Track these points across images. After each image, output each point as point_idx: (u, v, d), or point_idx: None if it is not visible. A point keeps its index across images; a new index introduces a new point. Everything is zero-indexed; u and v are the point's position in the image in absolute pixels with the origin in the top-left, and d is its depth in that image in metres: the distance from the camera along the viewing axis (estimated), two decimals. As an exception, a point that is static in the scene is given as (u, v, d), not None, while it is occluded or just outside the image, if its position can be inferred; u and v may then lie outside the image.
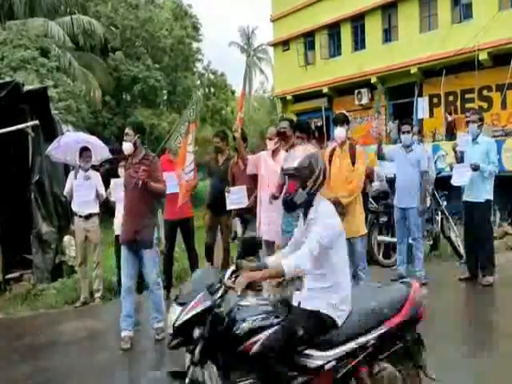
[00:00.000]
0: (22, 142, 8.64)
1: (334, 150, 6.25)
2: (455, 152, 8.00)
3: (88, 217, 7.76)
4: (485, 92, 18.31)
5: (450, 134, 17.68)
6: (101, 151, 8.32)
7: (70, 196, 7.83)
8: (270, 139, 6.70)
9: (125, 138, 5.86)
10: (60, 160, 8.33)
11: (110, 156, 8.60)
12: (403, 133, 7.96)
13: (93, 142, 8.27)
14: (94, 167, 8.16)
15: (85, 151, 7.76)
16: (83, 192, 7.68)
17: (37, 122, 8.43)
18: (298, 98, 26.14)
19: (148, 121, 24.64)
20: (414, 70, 20.09)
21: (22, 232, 8.92)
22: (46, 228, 8.77)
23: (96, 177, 7.85)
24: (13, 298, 8.00)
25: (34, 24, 19.06)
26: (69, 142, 8.00)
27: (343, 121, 6.16)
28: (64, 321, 7.07)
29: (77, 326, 6.78)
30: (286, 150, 6.39)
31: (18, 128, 8.19)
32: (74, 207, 7.80)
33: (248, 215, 7.55)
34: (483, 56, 17.54)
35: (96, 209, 7.86)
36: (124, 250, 5.91)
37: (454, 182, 7.76)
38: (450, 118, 18.71)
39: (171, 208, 7.37)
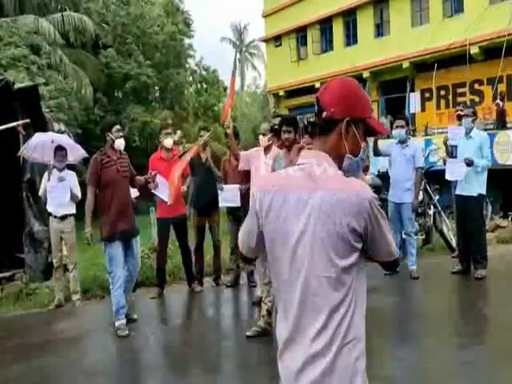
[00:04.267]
0: (12, 140, 8.59)
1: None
2: (446, 146, 8.02)
3: (63, 218, 7.52)
4: (476, 86, 18.37)
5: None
6: (76, 151, 8.10)
7: (44, 197, 7.62)
8: (264, 135, 6.69)
9: (121, 134, 6.20)
10: (37, 160, 8.09)
11: (86, 155, 8.40)
12: (396, 127, 7.96)
13: (66, 142, 8.01)
14: (72, 166, 8.05)
15: (59, 151, 7.50)
16: (57, 193, 7.43)
17: (28, 120, 8.38)
18: (291, 93, 26.16)
19: (140, 118, 24.58)
20: (405, 65, 20.13)
21: (14, 231, 8.88)
22: (37, 227, 8.73)
23: (71, 177, 7.62)
24: (5, 297, 7.96)
25: (24, 21, 18.94)
26: (45, 142, 7.78)
27: None
28: (57, 320, 7.05)
29: (70, 324, 6.76)
30: (279, 147, 6.38)
31: (9, 126, 8.13)
32: (50, 208, 7.57)
33: (240, 212, 7.56)
34: (474, 50, 17.58)
35: (72, 210, 7.62)
36: (118, 244, 5.96)
37: (449, 176, 7.77)
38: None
39: (165, 206, 7.33)
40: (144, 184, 6.55)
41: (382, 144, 8.28)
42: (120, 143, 6.13)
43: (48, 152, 7.70)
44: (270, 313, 5.79)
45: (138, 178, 6.45)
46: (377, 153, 8.13)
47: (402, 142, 7.90)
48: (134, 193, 7.03)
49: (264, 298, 5.82)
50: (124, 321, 6.04)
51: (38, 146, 7.76)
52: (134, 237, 6.18)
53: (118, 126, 6.23)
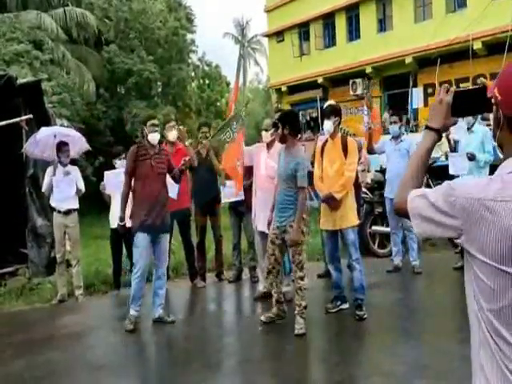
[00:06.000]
0: (16, 136, 8.60)
1: (326, 142, 6.24)
2: (449, 141, 8.02)
3: (67, 212, 7.56)
4: (479, 81, 18.30)
5: None
6: (80, 144, 8.12)
7: (48, 192, 7.61)
8: (266, 130, 6.70)
9: (156, 129, 6.15)
10: (37, 156, 8.10)
11: (89, 148, 8.45)
12: (390, 123, 8.06)
13: (71, 134, 8.04)
14: (74, 161, 8.09)
15: (63, 146, 7.56)
16: (63, 188, 7.49)
17: (30, 115, 8.38)
18: (293, 88, 26.11)
19: (143, 113, 24.53)
20: (408, 60, 20.07)
21: (17, 226, 8.90)
22: (40, 222, 8.75)
23: (75, 172, 7.68)
24: (8, 292, 7.97)
25: (26, 17, 18.91)
26: (45, 138, 7.75)
27: (331, 113, 6.15)
28: (60, 315, 7.07)
29: (73, 320, 6.78)
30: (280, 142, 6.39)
31: (12, 122, 8.14)
32: (53, 203, 7.60)
33: (242, 207, 7.57)
34: (477, 45, 17.54)
35: (76, 204, 7.67)
36: (145, 237, 5.99)
37: (453, 171, 7.78)
38: None
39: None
40: (180, 174, 6.52)
41: (376, 141, 8.30)
42: (154, 138, 6.14)
43: (48, 148, 7.73)
44: (281, 302, 5.94)
45: (176, 170, 6.40)
46: (370, 151, 8.15)
47: (396, 137, 7.97)
48: None
49: (272, 291, 5.98)
50: (135, 313, 6.08)
51: (39, 142, 7.79)
52: (163, 233, 6.17)
53: (152, 121, 6.20)
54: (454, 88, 1.82)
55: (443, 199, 1.60)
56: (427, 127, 1.85)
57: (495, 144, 1.76)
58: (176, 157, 7.44)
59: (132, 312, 6.07)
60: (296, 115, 6.25)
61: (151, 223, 5.98)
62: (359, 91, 22.00)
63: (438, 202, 1.61)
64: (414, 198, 1.70)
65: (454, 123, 1.88)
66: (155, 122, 6.23)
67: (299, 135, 6.20)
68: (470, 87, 1.87)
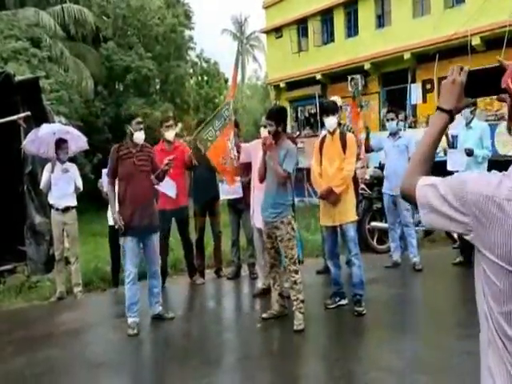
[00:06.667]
0: (14, 133, 8.58)
1: (324, 138, 6.24)
2: (447, 136, 8.01)
3: (65, 210, 7.53)
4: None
5: None
6: (79, 142, 8.10)
7: (46, 189, 7.58)
8: (265, 127, 6.69)
9: (141, 127, 6.03)
10: (33, 153, 8.10)
11: (87, 147, 8.43)
12: (387, 120, 8.06)
13: (71, 131, 8.03)
14: (73, 159, 8.09)
15: (62, 143, 7.53)
16: (62, 185, 7.46)
17: (29, 113, 8.36)
18: (292, 85, 26.07)
19: (141, 110, 24.54)
20: (407, 56, 20.05)
21: (16, 223, 8.89)
22: (39, 219, 8.73)
23: (74, 169, 7.67)
24: (7, 290, 7.97)
25: (24, 14, 18.91)
26: (44, 135, 7.70)
27: (334, 110, 6.16)
28: (59, 312, 7.07)
29: (72, 317, 6.78)
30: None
31: (10, 119, 8.12)
32: (51, 200, 7.57)
33: (241, 204, 7.57)
34: (476, 41, 17.52)
35: (74, 202, 7.64)
36: (131, 239, 5.89)
37: (450, 167, 7.77)
38: None
39: (166, 197, 7.32)
40: (163, 175, 6.25)
41: (373, 138, 8.29)
42: (139, 136, 6.02)
43: (45, 145, 7.72)
44: (282, 296, 5.96)
45: (159, 171, 6.13)
46: (368, 149, 8.15)
47: (394, 134, 7.98)
48: None
49: (272, 285, 6.01)
50: (135, 319, 5.92)
51: (36, 139, 7.77)
52: (152, 232, 6.06)
53: (138, 119, 6.12)
54: (468, 67, 1.74)
55: (453, 193, 1.53)
56: (439, 108, 1.75)
57: (500, 138, 1.73)
58: (174, 155, 7.43)
59: (131, 320, 5.89)
60: (286, 111, 6.28)
61: (137, 224, 5.85)
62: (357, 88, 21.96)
63: (447, 195, 1.54)
64: (422, 186, 1.63)
65: (468, 105, 1.78)
66: (140, 119, 6.15)
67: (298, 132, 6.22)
68: (486, 66, 1.74)
